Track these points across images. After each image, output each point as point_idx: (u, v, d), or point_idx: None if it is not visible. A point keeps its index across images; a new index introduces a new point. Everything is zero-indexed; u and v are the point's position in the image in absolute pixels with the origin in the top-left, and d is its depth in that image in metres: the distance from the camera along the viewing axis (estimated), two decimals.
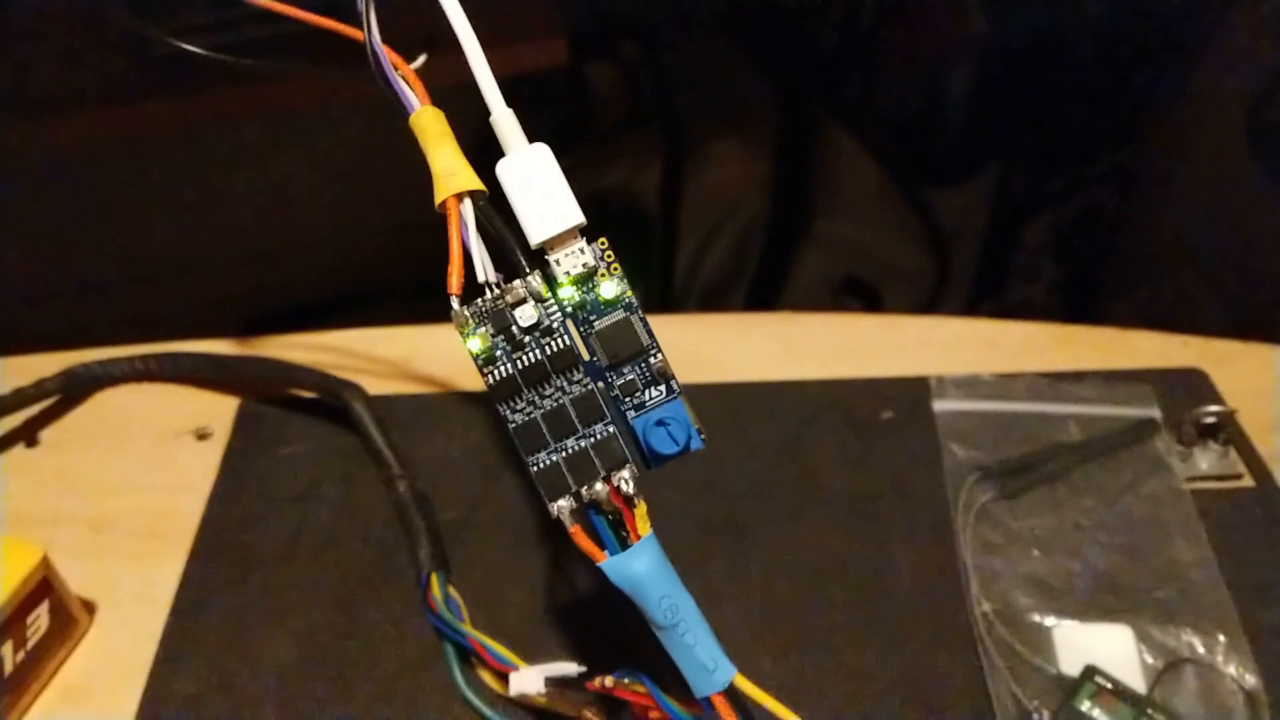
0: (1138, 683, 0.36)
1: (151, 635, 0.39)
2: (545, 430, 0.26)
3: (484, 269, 0.26)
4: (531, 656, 0.36)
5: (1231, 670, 0.37)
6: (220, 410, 0.48)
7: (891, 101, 0.84)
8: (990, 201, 0.85)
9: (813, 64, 0.81)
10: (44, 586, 0.37)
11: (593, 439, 0.26)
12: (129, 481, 0.45)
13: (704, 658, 0.26)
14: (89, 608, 0.40)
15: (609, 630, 0.39)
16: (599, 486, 0.26)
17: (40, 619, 0.37)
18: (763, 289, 0.90)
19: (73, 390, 0.48)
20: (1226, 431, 0.44)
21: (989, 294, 0.89)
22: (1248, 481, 0.44)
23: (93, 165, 0.61)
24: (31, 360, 0.48)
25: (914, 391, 0.48)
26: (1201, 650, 0.37)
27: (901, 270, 0.90)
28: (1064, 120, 0.78)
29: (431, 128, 0.27)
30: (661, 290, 0.88)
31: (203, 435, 0.47)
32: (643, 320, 0.27)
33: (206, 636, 0.39)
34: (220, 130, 0.63)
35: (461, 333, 0.26)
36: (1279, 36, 0.63)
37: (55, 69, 0.57)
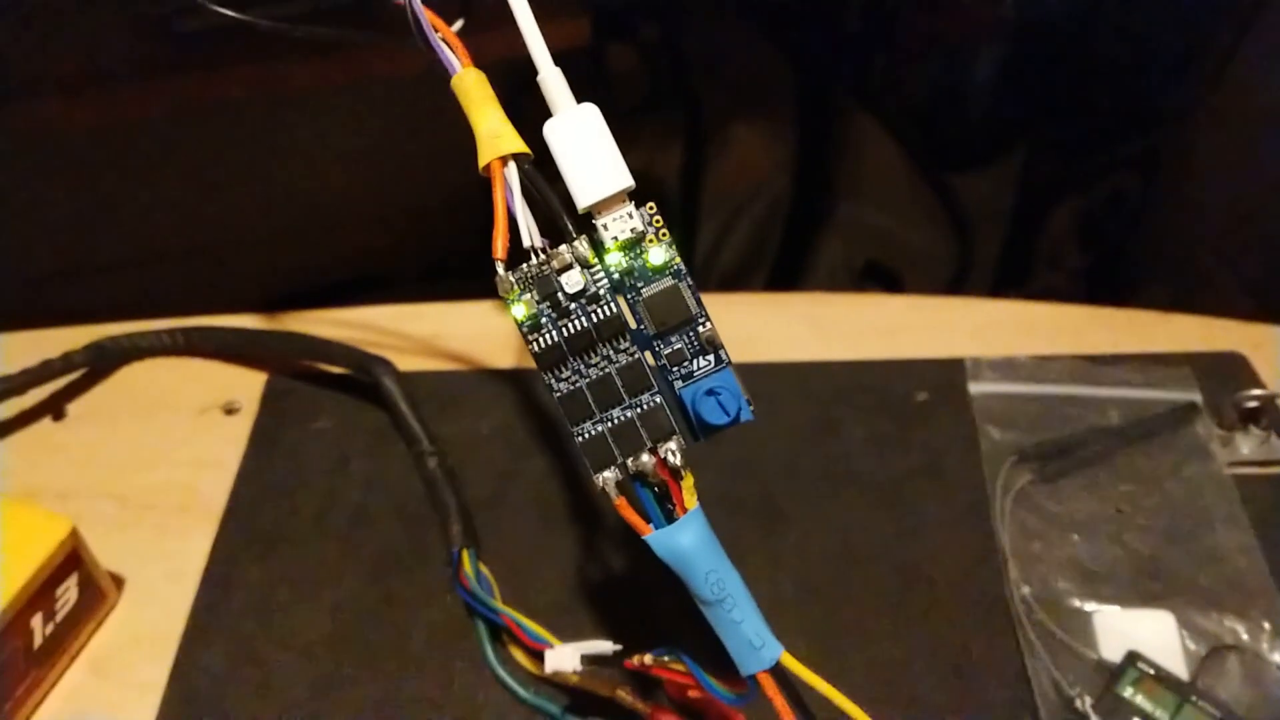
0: (1180, 669, 0.36)
1: (180, 609, 0.39)
2: (591, 400, 0.25)
3: (529, 234, 0.25)
4: (562, 635, 0.36)
5: (1276, 657, 0.36)
6: (248, 385, 0.47)
7: (915, 85, 0.83)
8: (1015, 187, 0.84)
9: (836, 46, 0.80)
10: (72, 559, 0.37)
11: (639, 409, 0.26)
12: (157, 456, 0.45)
13: (750, 634, 0.25)
14: (117, 581, 0.40)
15: (640, 609, 0.38)
16: (645, 458, 0.25)
17: (69, 592, 0.37)
18: (784, 273, 0.89)
19: (100, 363, 0.47)
20: (1268, 416, 0.43)
21: (1013, 281, 0.88)
22: None
23: (121, 143, 0.60)
24: (58, 333, 0.48)
25: (948, 373, 0.47)
26: (1245, 637, 0.37)
27: (924, 256, 0.89)
28: (1090, 104, 0.77)
29: (475, 90, 0.26)
30: None
31: (231, 410, 0.46)
32: (691, 288, 0.26)
33: (235, 611, 0.39)
34: (247, 108, 0.62)
35: (506, 299, 0.25)
36: None
37: (80, 47, 0.57)
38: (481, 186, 0.26)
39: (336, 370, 0.47)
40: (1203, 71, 0.70)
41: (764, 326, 0.51)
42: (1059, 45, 0.73)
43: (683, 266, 0.26)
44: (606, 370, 0.26)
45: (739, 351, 0.48)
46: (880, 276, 0.89)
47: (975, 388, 0.46)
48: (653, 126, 0.80)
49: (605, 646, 0.33)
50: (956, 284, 0.88)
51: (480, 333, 0.49)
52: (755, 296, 0.55)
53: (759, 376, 0.47)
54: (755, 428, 0.45)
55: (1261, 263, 0.72)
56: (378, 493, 0.42)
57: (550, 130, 0.25)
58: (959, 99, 0.82)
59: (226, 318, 0.49)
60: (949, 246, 0.87)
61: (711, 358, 0.26)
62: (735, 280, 0.88)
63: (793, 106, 0.82)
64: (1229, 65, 0.67)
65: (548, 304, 0.25)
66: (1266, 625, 0.37)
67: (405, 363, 0.47)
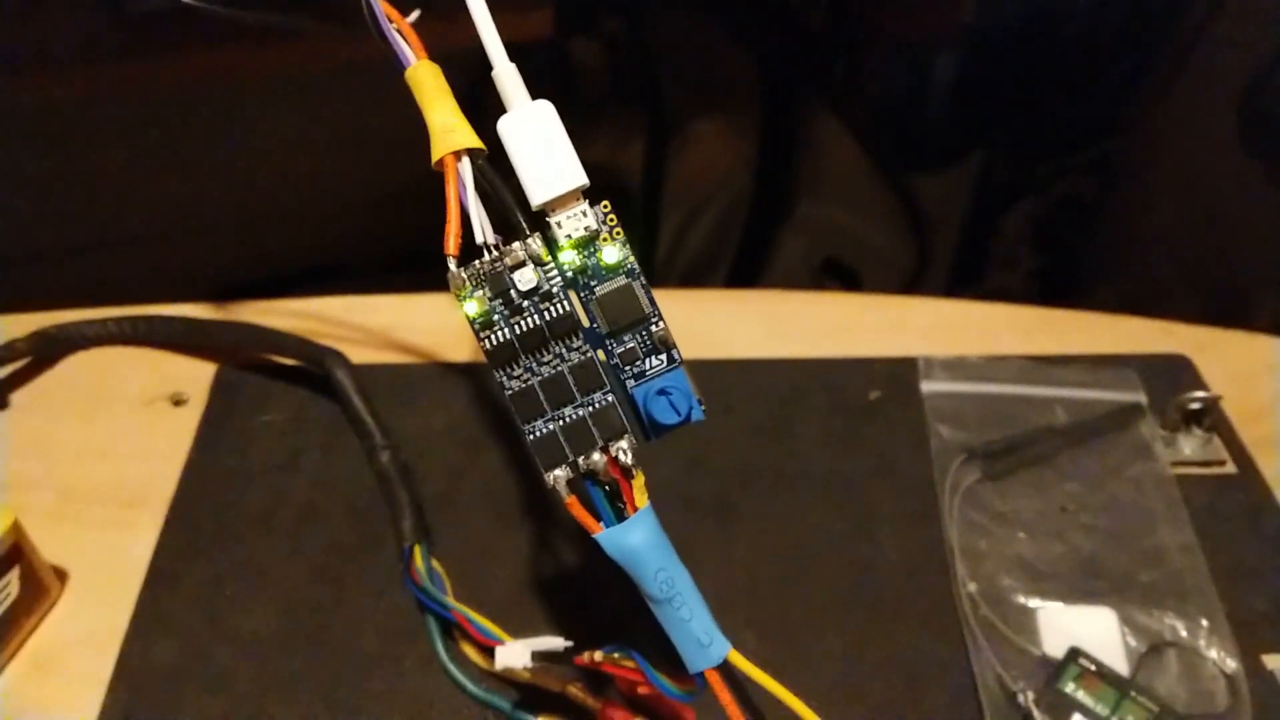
0: (1120, 665, 0.37)
1: (125, 604, 0.38)
2: (543, 398, 0.25)
3: (482, 230, 0.25)
4: (514, 631, 0.36)
5: (1213, 654, 0.37)
6: (197, 376, 0.47)
7: (877, 85, 0.84)
8: (972, 188, 0.85)
9: (799, 45, 0.80)
10: (14, 552, 0.36)
11: (591, 408, 0.26)
12: (102, 447, 0.44)
13: (699, 632, 0.25)
14: (60, 575, 0.39)
15: (592, 606, 0.38)
16: (596, 456, 0.25)
17: (10, 585, 0.36)
18: (744, 269, 0.89)
19: (45, 352, 0.46)
20: (1211, 418, 0.45)
21: (968, 280, 0.89)
22: (1231, 468, 0.44)
23: (68, 127, 0.59)
24: (2, 321, 0.47)
25: (901, 372, 0.47)
26: (1184, 634, 0.37)
27: (882, 255, 0.90)
28: (1048, 109, 0.78)
29: (428, 82, 0.26)
30: (642, 270, 0.87)
31: (179, 401, 0.46)
32: (645, 287, 0.26)
33: (181, 606, 0.38)
34: (201, 93, 0.61)
35: (458, 295, 0.25)
36: (1266, 24, 0.63)
37: (28, 25, 0.55)
38: (433, 184, 0.26)
39: (288, 362, 0.46)
40: (1155, 78, 0.71)
41: (721, 324, 0.51)
42: (1017, 50, 0.74)
43: (636, 266, 0.26)
44: (559, 369, 0.26)
45: (696, 349, 0.49)
46: (839, 273, 0.90)
47: (927, 386, 0.46)
48: (615, 120, 0.80)
49: (556, 643, 0.33)
50: (914, 282, 0.89)
51: (437, 326, 0.49)
52: (713, 293, 0.55)
53: (715, 374, 0.48)
54: (711, 425, 0.45)
55: (1212, 266, 0.74)
56: (329, 487, 0.42)
57: (504, 126, 0.25)
58: (919, 100, 0.82)
59: (176, 307, 0.49)
60: (907, 245, 0.88)
61: (664, 357, 0.26)
62: (696, 275, 0.88)
63: (755, 103, 0.82)
64: (1179, 74, 0.68)
65: (500, 301, 0.25)
66: (1204, 622, 0.38)
67: (360, 355, 0.47)
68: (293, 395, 0.45)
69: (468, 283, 0.25)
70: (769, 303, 0.54)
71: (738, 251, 0.88)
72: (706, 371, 0.47)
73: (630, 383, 0.26)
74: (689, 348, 0.48)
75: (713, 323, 0.51)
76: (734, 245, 0.88)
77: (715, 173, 0.86)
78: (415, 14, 0.30)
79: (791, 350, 0.49)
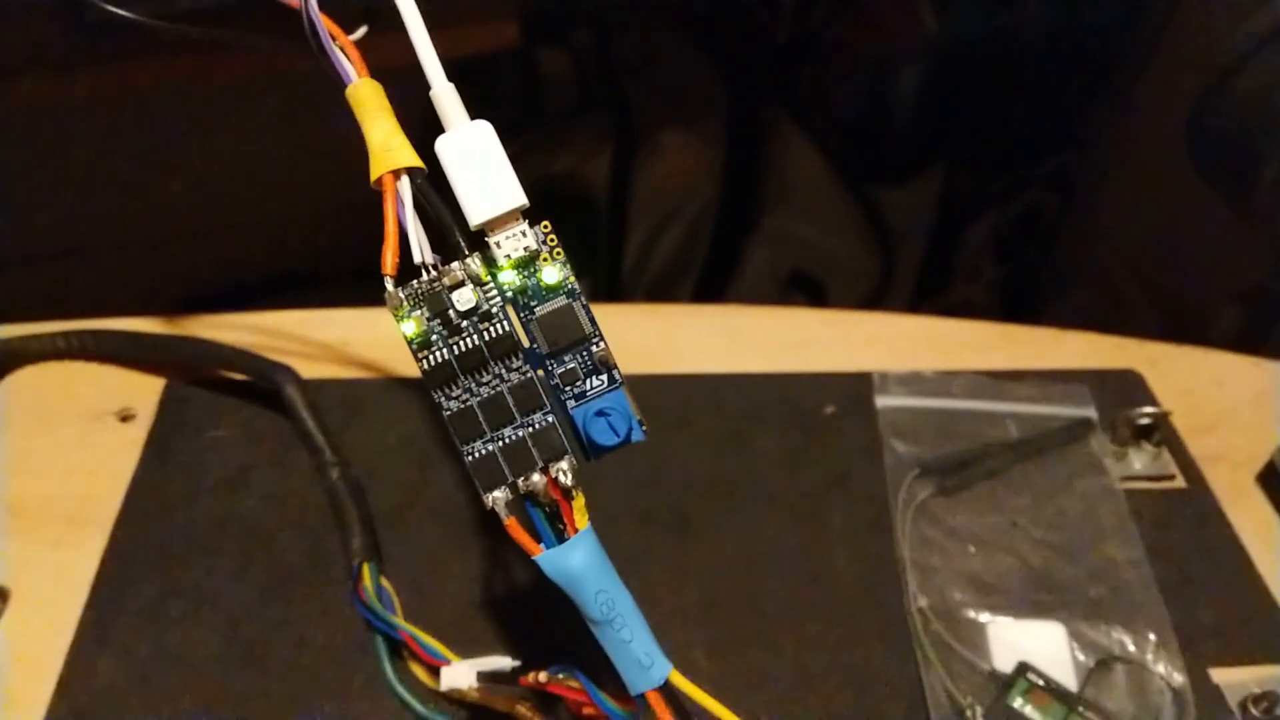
0: (1069, 680, 0.37)
1: (67, 625, 0.37)
2: (481, 419, 0.25)
3: (421, 249, 0.25)
4: (466, 650, 0.35)
5: (1160, 669, 0.37)
6: (145, 391, 0.46)
7: (841, 99, 0.84)
8: (935, 201, 0.86)
9: (765, 58, 0.81)
10: None
11: (531, 428, 0.25)
12: (47, 464, 0.43)
13: (639, 654, 0.25)
14: (2, 594, 0.38)
15: (545, 625, 0.38)
16: (536, 478, 0.25)
17: None
18: (710, 282, 0.90)
19: None
20: (1160, 433, 0.45)
21: (932, 293, 0.90)
22: (1180, 483, 0.45)
23: (19, 135, 0.58)
24: None
25: (857, 387, 0.48)
26: (1132, 648, 0.38)
27: (847, 267, 0.91)
28: (1008, 122, 0.79)
29: (369, 100, 0.26)
30: (609, 281, 0.87)
31: (126, 417, 0.45)
32: (585, 307, 0.26)
33: (125, 627, 0.37)
34: (154, 103, 0.60)
35: (396, 315, 0.25)
36: (1218, 44, 0.64)
37: None
38: (379, 199, 0.26)
39: (238, 377, 0.46)
40: (1111, 94, 0.72)
41: (682, 338, 0.51)
42: (979, 66, 0.74)
43: (576, 286, 0.26)
44: (498, 389, 0.25)
45: (656, 363, 0.49)
46: (805, 286, 0.90)
47: (881, 401, 0.47)
48: (582, 131, 0.80)
49: (503, 663, 0.32)
50: (879, 294, 0.89)
51: (391, 340, 0.47)
52: (673, 308, 0.55)
53: (673, 388, 0.47)
54: (667, 440, 0.45)
55: (1168, 281, 0.75)
56: (278, 504, 0.41)
57: (442, 146, 0.25)
58: (883, 115, 0.83)
59: (123, 320, 0.48)
60: (872, 258, 0.89)
61: (605, 377, 0.26)
62: (663, 287, 0.88)
63: (722, 116, 0.82)
64: (1135, 87, 0.69)
65: (438, 321, 0.25)
66: (1152, 637, 0.38)
67: (312, 370, 0.46)
68: (243, 411, 0.45)
69: (405, 302, 0.25)
70: (730, 317, 0.54)
71: (705, 263, 0.89)
72: (664, 386, 0.47)
73: (571, 403, 0.26)
74: (649, 362, 0.48)
75: (674, 337, 0.51)
76: (701, 257, 0.88)
77: (682, 185, 0.86)
78: (361, 31, 0.29)
79: (750, 365, 0.49)
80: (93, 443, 0.44)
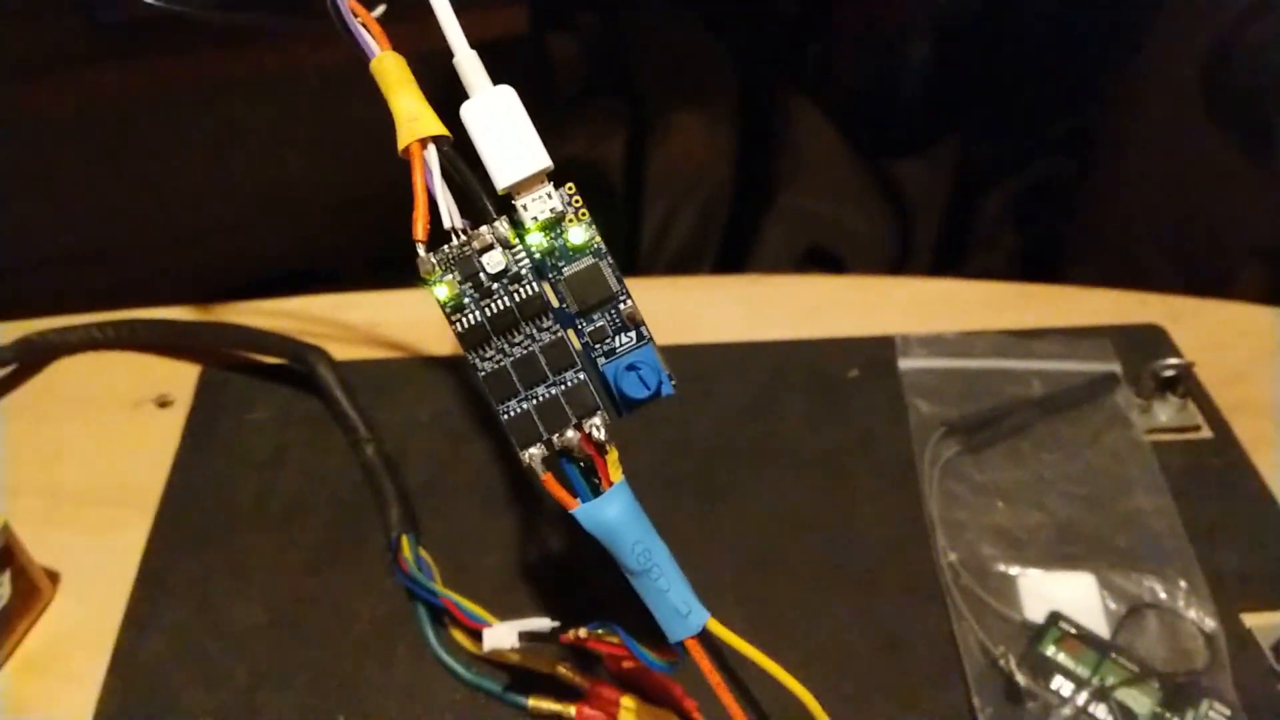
0: (1101, 628, 0.37)
1: (117, 604, 0.39)
2: (515, 378, 0.26)
3: (450, 215, 0.25)
4: (504, 615, 0.36)
5: (1192, 614, 0.37)
6: (181, 378, 0.47)
7: (852, 71, 0.84)
8: (951, 171, 0.86)
9: (774, 34, 0.80)
10: (5, 555, 0.36)
11: (563, 386, 0.26)
12: (89, 451, 0.44)
13: (677, 602, 0.26)
14: (52, 577, 0.39)
15: (579, 588, 0.39)
16: (570, 434, 0.26)
17: (3, 589, 0.36)
18: (728, 260, 0.90)
19: (29, 359, 0.47)
20: (1185, 384, 0.45)
21: (950, 264, 0.90)
22: (1206, 433, 0.45)
23: (52, 137, 0.59)
24: None
25: (879, 350, 0.48)
26: (1163, 595, 0.38)
27: (864, 241, 0.90)
28: (1021, 87, 0.78)
29: (393, 73, 0.26)
30: (625, 264, 0.88)
31: (164, 403, 0.46)
32: (612, 266, 0.26)
33: (172, 604, 0.38)
34: (182, 100, 0.61)
35: (428, 280, 0.26)
36: None
37: (7, 36, 0.56)
38: (407, 177, 0.27)
39: (271, 361, 0.46)
40: (1123, 51, 0.72)
41: (704, 309, 0.52)
42: (988, 31, 0.74)
43: (603, 245, 0.26)
44: (530, 349, 0.26)
45: (679, 334, 0.49)
46: (823, 261, 0.90)
47: (905, 363, 0.47)
48: (594, 115, 0.80)
49: (543, 623, 0.33)
50: (897, 267, 0.89)
51: (418, 320, 0.49)
52: (695, 279, 0.56)
53: (697, 358, 0.48)
54: (693, 407, 0.46)
55: (1190, 238, 0.75)
56: (315, 482, 0.42)
57: (467, 112, 0.26)
58: (894, 85, 0.83)
59: (158, 310, 0.49)
60: (889, 230, 0.89)
61: (633, 334, 0.27)
62: (680, 267, 0.89)
63: (732, 94, 0.82)
64: (1146, 43, 0.69)
65: (470, 285, 0.26)
66: (1183, 584, 0.38)
67: (343, 351, 0.47)
68: (277, 393, 0.46)
69: (437, 267, 0.26)
70: (750, 287, 0.54)
71: (722, 242, 0.89)
72: (689, 356, 0.48)
73: (601, 360, 0.26)
74: (672, 333, 0.49)
75: (695, 308, 0.52)
76: (718, 236, 0.89)
77: (696, 164, 0.86)
78: (380, 8, 0.30)
79: (772, 333, 0.50)
80: (133, 429, 0.45)
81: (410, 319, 0.50)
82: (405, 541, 0.38)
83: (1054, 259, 0.89)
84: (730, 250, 0.90)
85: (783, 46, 0.81)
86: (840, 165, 0.87)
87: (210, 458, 0.43)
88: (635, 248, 0.88)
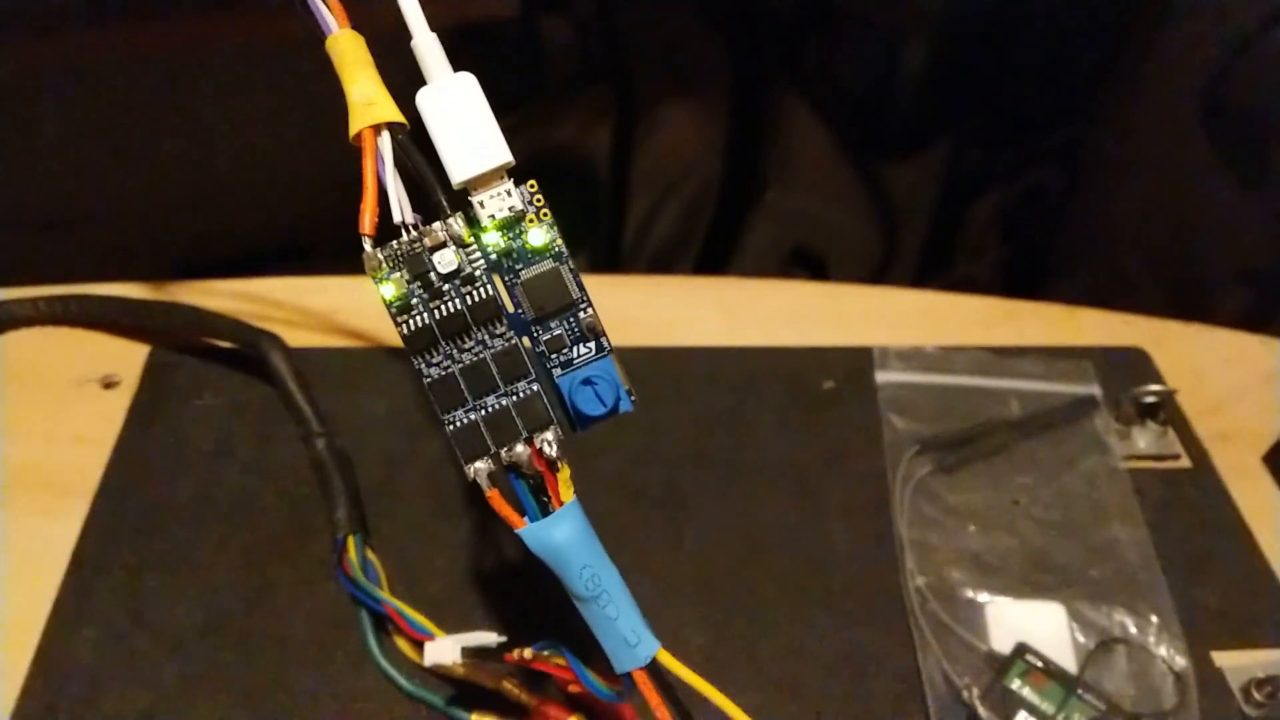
0: (1069, 662, 0.36)
1: (45, 595, 0.37)
2: (463, 386, 0.24)
3: (400, 208, 0.24)
4: (453, 625, 0.34)
5: (1162, 651, 0.36)
6: (129, 358, 0.45)
7: (846, 70, 0.83)
8: (940, 177, 0.85)
9: (770, 29, 0.79)
10: None
11: (515, 397, 0.24)
12: (28, 430, 0.42)
13: (625, 631, 0.24)
14: None
15: (533, 599, 0.37)
16: (520, 448, 0.24)
17: None
18: (712, 256, 0.89)
19: None
20: (1166, 412, 0.44)
21: (936, 269, 0.89)
22: (1185, 462, 0.44)
23: (8, 98, 0.57)
24: None
25: (856, 361, 0.47)
26: (1133, 630, 0.37)
27: (850, 242, 0.89)
28: (1015, 96, 0.77)
29: (349, 53, 0.25)
30: (609, 254, 0.86)
31: (109, 384, 0.44)
32: (573, 271, 0.25)
33: (105, 598, 0.37)
34: (143, 69, 0.59)
35: (374, 277, 0.24)
36: (1236, 12, 0.62)
37: None
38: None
39: (224, 344, 0.45)
40: (1121, 67, 0.71)
41: (681, 311, 0.50)
42: (986, 39, 0.73)
43: (564, 249, 0.25)
44: (481, 355, 0.24)
45: (653, 335, 0.48)
46: (807, 261, 0.89)
47: (881, 376, 0.46)
48: (583, 102, 0.79)
49: (489, 638, 0.31)
50: (881, 270, 0.88)
51: (381, 309, 0.47)
52: (671, 280, 0.54)
53: (670, 361, 0.46)
54: (662, 413, 0.44)
55: (1176, 258, 0.74)
56: (262, 475, 0.41)
57: (423, 100, 0.24)
58: (888, 87, 0.82)
59: (108, 286, 0.47)
60: (875, 233, 0.88)
61: (592, 345, 0.25)
62: (664, 261, 0.87)
63: (725, 88, 0.81)
64: (1143, 63, 0.68)
65: (419, 284, 0.24)
66: (1154, 619, 0.37)
67: (301, 339, 0.45)
68: (228, 379, 0.44)
69: (384, 264, 0.24)
70: (729, 290, 0.53)
71: (706, 238, 0.87)
72: (659, 359, 0.46)
73: (557, 371, 0.25)
74: (646, 335, 0.47)
75: (671, 310, 0.50)
76: (702, 231, 0.87)
77: (684, 157, 0.85)
78: None
79: (749, 339, 0.48)
80: (76, 410, 0.43)
81: (372, 307, 0.47)
82: (351, 543, 0.36)
83: (1038, 270, 0.88)
84: (714, 246, 0.88)
85: (777, 42, 0.80)
86: (829, 165, 0.86)
87: (154, 444, 0.42)
88: (618, 240, 0.86)
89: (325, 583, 0.37)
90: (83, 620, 0.36)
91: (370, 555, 0.37)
